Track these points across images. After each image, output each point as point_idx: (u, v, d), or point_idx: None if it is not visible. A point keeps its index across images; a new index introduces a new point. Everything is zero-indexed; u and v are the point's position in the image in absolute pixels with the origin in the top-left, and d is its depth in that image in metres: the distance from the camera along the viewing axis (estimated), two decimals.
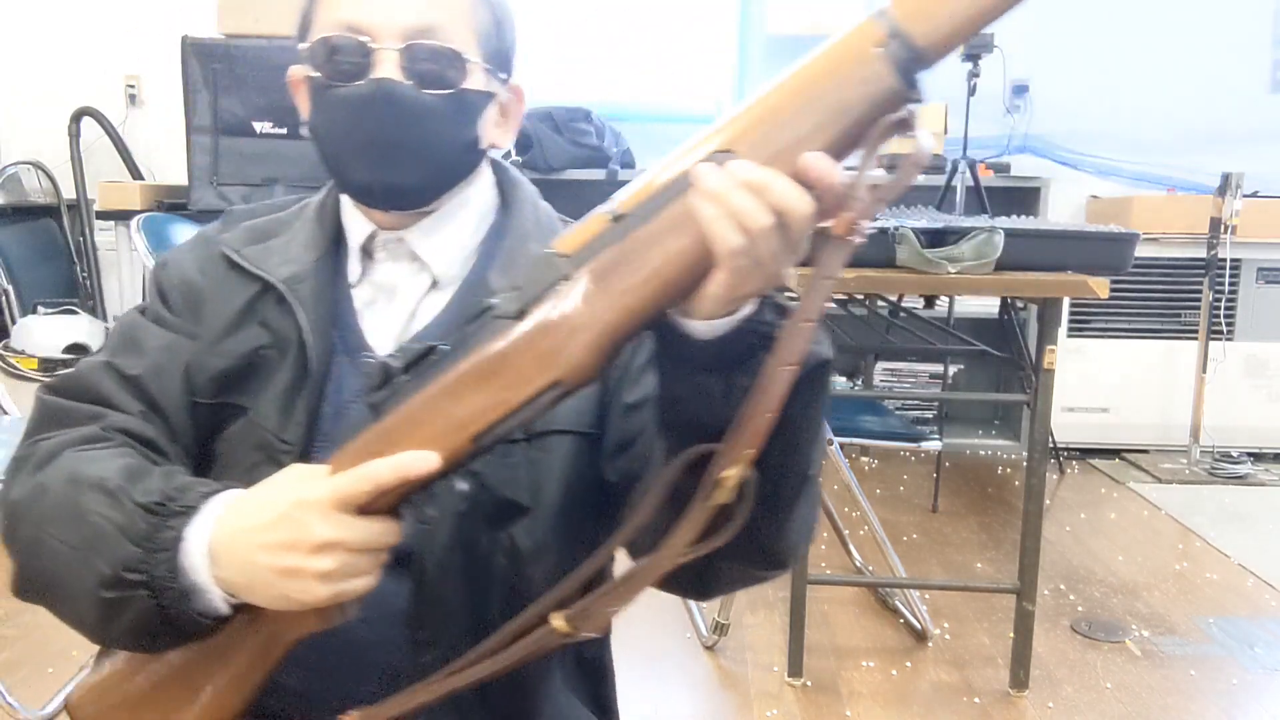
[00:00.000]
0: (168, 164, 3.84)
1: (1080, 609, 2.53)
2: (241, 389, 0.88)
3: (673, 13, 4.13)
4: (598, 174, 3.70)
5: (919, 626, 2.36)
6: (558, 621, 0.68)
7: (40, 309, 3.68)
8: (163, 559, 0.72)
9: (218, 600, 0.73)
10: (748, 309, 0.64)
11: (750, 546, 0.70)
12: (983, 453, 4.01)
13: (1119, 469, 3.78)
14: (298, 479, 0.73)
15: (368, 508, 0.69)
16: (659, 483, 0.67)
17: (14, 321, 3.67)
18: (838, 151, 0.60)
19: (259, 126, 3.25)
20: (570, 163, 3.70)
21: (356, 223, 0.92)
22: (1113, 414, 3.90)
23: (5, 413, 2.39)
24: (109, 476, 0.77)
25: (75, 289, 3.98)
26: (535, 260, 0.65)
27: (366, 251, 0.92)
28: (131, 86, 4.04)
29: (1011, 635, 2.12)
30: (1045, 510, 2.34)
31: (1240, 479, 3.64)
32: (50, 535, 0.77)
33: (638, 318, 0.63)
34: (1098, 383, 3.87)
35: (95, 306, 3.95)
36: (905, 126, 0.60)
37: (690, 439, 0.66)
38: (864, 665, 2.21)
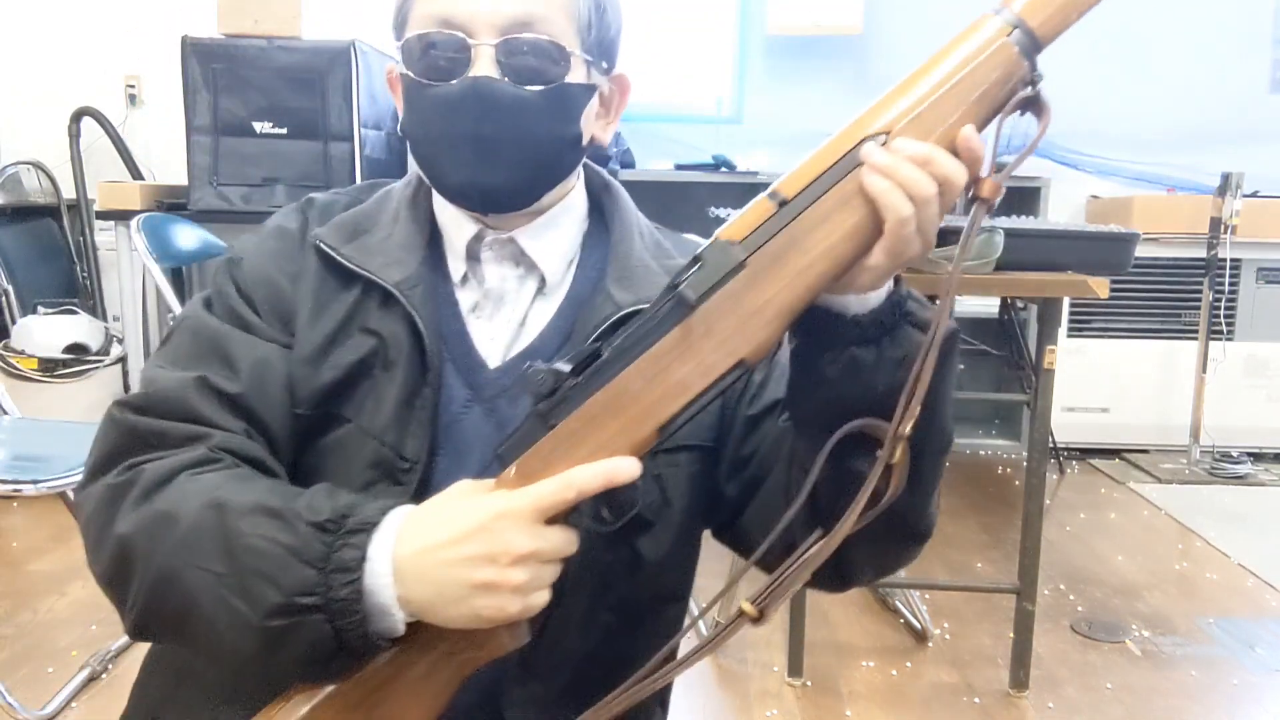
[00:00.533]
0: (168, 164, 3.83)
1: (1080, 609, 2.53)
2: (345, 399, 0.83)
3: (672, 13, 4.13)
4: None
5: (919, 626, 2.36)
6: (747, 607, 0.69)
7: (40, 309, 3.68)
8: (343, 580, 0.67)
9: (399, 622, 0.69)
10: (891, 283, 0.70)
11: (898, 522, 0.72)
12: (983, 453, 4.01)
13: (1119, 469, 3.78)
14: (477, 490, 0.71)
15: (556, 517, 0.69)
16: (816, 463, 0.69)
17: (14, 321, 3.67)
18: (978, 127, 0.67)
19: (259, 126, 3.25)
20: None
21: (458, 222, 0.88)
22: (1113, 414, 3.90)
23: (5, 413, 2.39)
24: (265, 498, 0.72)
25: (75, 289, 3.98)
26: (710, 249, 0.67)
27: (471, 253, 0.88)
28: (131, 86, 4.04)
29: (1011, 635, 2.12)
30: (1045, 510, 2.34)
31: (1240, 479, 3.64)
32: (192, 565, 0.70)
33: (812, 293, 0.67)
34: (1098, 383, 3.87)
35: (95, 306, 3.95)
36: (1034, 101, 0.69)
37: (832, 422, 0.69)
38: (864, 665, 2.21)
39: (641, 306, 0.70)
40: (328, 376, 0.83)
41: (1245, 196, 3.57)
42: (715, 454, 0.87)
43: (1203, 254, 3.68)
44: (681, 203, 3.68)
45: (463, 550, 0.67)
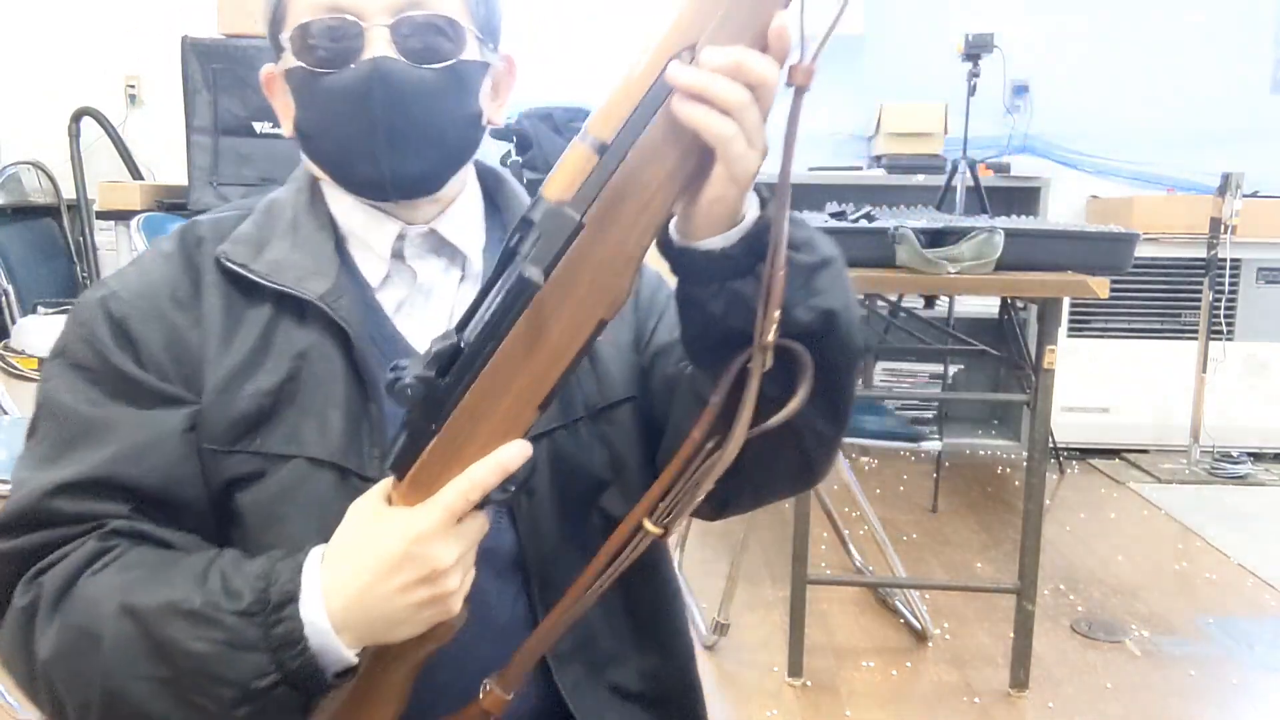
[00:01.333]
0: (168, 164, 3.83)
1: (1080, 609, 2.53)
2: (275, 430, 0.78)
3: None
4: None
5: (919, 626, 2.36)
6: (647, 523, 0.71)
7: (40, 309, 3.68)
8: (291, 654, 0.67)
9: (353, 656, 0.70)
10: (754, 210, 0.67)
11: (791, 441, 0.74)
12: (983, 453, 4.01)
13: (1119, 469, 3.78)
14: (378, 511, 0.70)
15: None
16: (719, 388, 0.70)
17: (14, 321, 3.68)
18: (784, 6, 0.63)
19: (259, 126, 3.25)
20: None
21: (376, 223, 0.85)
22: (1113, 414, 3.90)
23: (5, 413, 2.39)
24: (178, 596, 0.69)
25: (75, 289, 3.98)
26: (543, 216, 0.63)
27: (395, 252, 0.85)
28: (131, 86, 4.04)
29: (1011, 635, 2.12)
30: (1045, 510, 2.34)
31: (1240, 479, 3.64)
32: (133, 679, 0.69)
33: (656, 229, 0.66)
34: (1097, 383, 3.87)
35: None
36: None
37: (728, 353, 0.69)
38: (864, 665, 2.21)
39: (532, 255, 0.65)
40: (247, 405, 0.78)
41: (1245, 196, 3.57)
42: (644, 402, 0.88)
43: (1203, 254, 3.68)
44: None
45: (394, 582, 0.67)
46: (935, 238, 1.94)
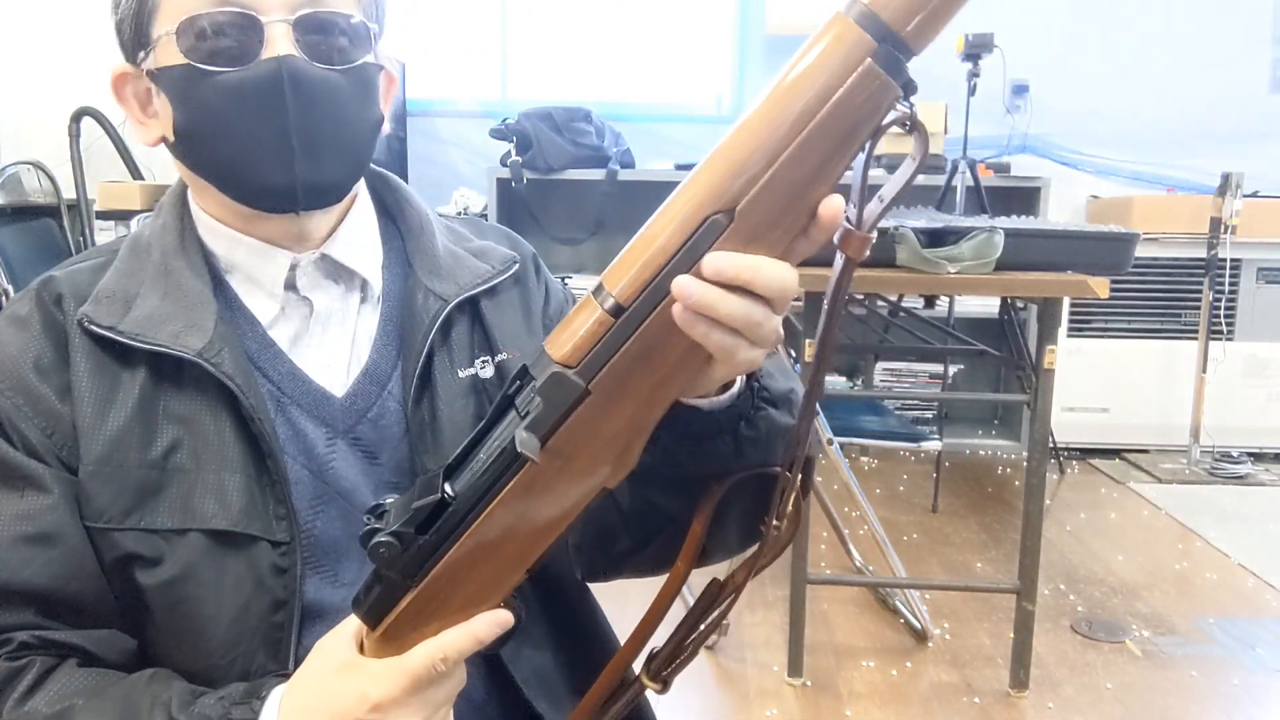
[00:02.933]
0: (168, 164, 3.81)
1: (1080, 609, 2.53)
2: (162, 505, 0.72)
3: (672, 12, 4.13)
4: (598, 174, 3.69)
5: (919, 626, 2.36)
6: (649, 683, 0.71)
7: None
8: None
9: None
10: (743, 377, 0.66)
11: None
12: (983, 453, 4.01)
13: (1119, 469, 3.78)
14: (346, 664, 0.64)
15: None
16: (701, 514, 0.69)
17: None
18: (839, 171, 0.55)
19: None
20: (570, 163, 3.70)
21: (265, 256, 0.77)
22: (1113, 414, 3.90)
23: None
24: None
25: None
26: (545, 382, 0.57)
27: (289, 284, 0.78)
28: None
29: (1011, 635, 2.12)
30: (1045, 510, 2.34)
31: (1240, 479, 3.64)
32: None
33: (665, 406, 0.60)
34: (1098, 383, 3.87)
35: None
36: (909, 124, 0.54)
37: (690, 487, 0.69)
38: (864, 665, 2.21)
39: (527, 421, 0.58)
40: (133, 478, 0.71)
41: (1245, 196, 3.57)
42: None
43: (1203, 254, 3.68)
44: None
45: None
46: (935, 238, 1.94)
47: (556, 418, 0.57)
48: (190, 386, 0.73)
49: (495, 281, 0.84)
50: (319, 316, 0.80)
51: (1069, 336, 3.83)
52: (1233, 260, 3.74)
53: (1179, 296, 3.88)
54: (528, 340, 0.84)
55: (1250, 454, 3.79)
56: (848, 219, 0.56)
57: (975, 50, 3.30)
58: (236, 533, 0.72)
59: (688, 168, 3.78)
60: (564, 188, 3.73)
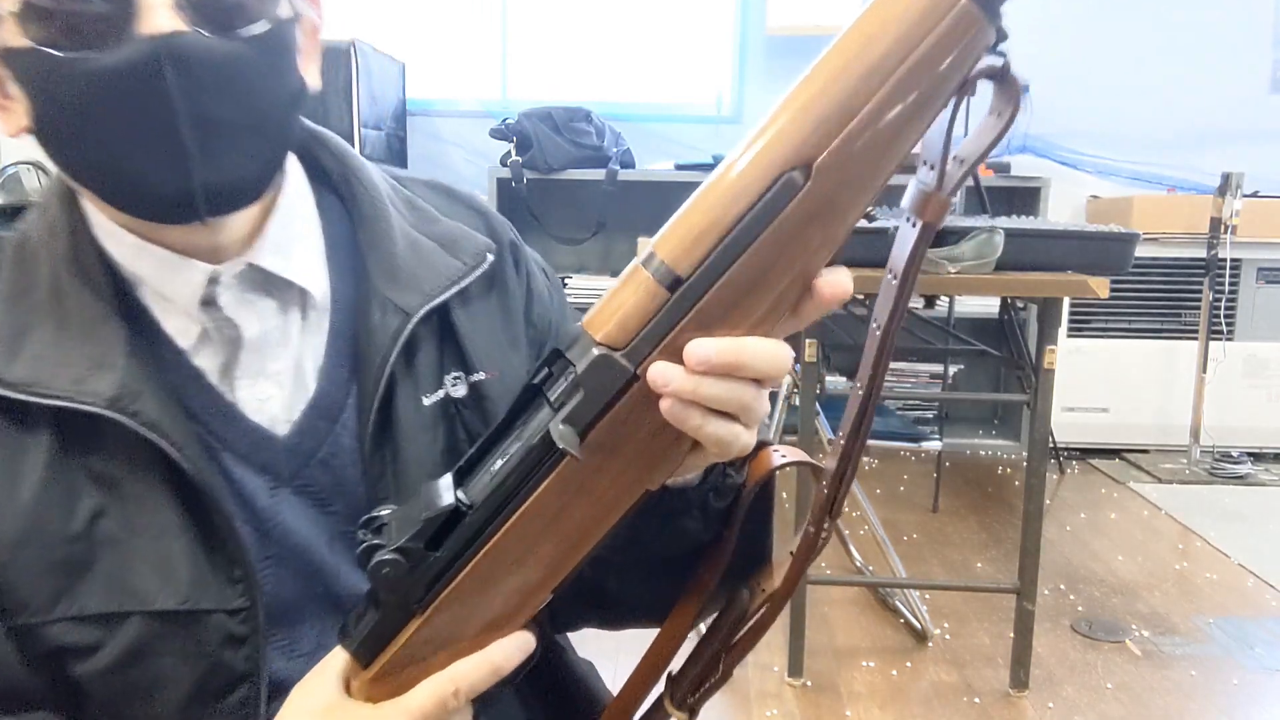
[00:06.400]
0: None
1: (1080, 609, 2.53)
2: (93, 587, 0.59)
3: (672, 12, 4.13)
4: (598, 174, 3.69)
5: (919, 626, 2.36)
6: (670, 706, 0.67)
7: None
8: None
9: None
10: None
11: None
12: (983, 453, 4.01)
13: (1119, 469, 3.78)
14: (332, 708, 0.55)
15: None
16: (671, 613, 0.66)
17: None
18: (924, 127, 0.49)
19: None
20: (570, 163, 3.70)
21: (174, 267, 0.62)
22: (1113, 414, 3.90)
23: None
24: None
25: None
26: (589, 366, 0.49)
27: (208, 299, 0.64)
28: None
29: (1011, 635, 2.12)
30: (1045, 510, 2.34)
31: (1240, 479, 3.64)
32: None
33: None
34: (1097, 383, 3.87)
35: None
36: (1000, 75, 0.49)
37: (653, 562, 0.66)
38: (864, 665, 2.21)
39: (562, 409, 0.50)
40: (53, 558, 0.59)
41: (1245, 196, 3.57)
42: None
43: (1203, 254, 3.68)
44: (682, 203, 3.68)
45: None
46: (935, 238, 1.94)
47: (600, 407, 0.49)
48: (109, 441, 0.60)
49: (467, 282, 0.70)
50: (250, 344, 0.65)
51: (1069, 336, 3.83)
52: (1233, 260, 3.74)
53: (1179, 296, 3.88)
54: (510, 353, 0.72)
55: (1250, 454, 3.79)
56: (922, 182, 0.50)
57: None
58: (185, 610, 0.60)
59: (688, 168, 3.77)
60: (564, 188, 3.73)
